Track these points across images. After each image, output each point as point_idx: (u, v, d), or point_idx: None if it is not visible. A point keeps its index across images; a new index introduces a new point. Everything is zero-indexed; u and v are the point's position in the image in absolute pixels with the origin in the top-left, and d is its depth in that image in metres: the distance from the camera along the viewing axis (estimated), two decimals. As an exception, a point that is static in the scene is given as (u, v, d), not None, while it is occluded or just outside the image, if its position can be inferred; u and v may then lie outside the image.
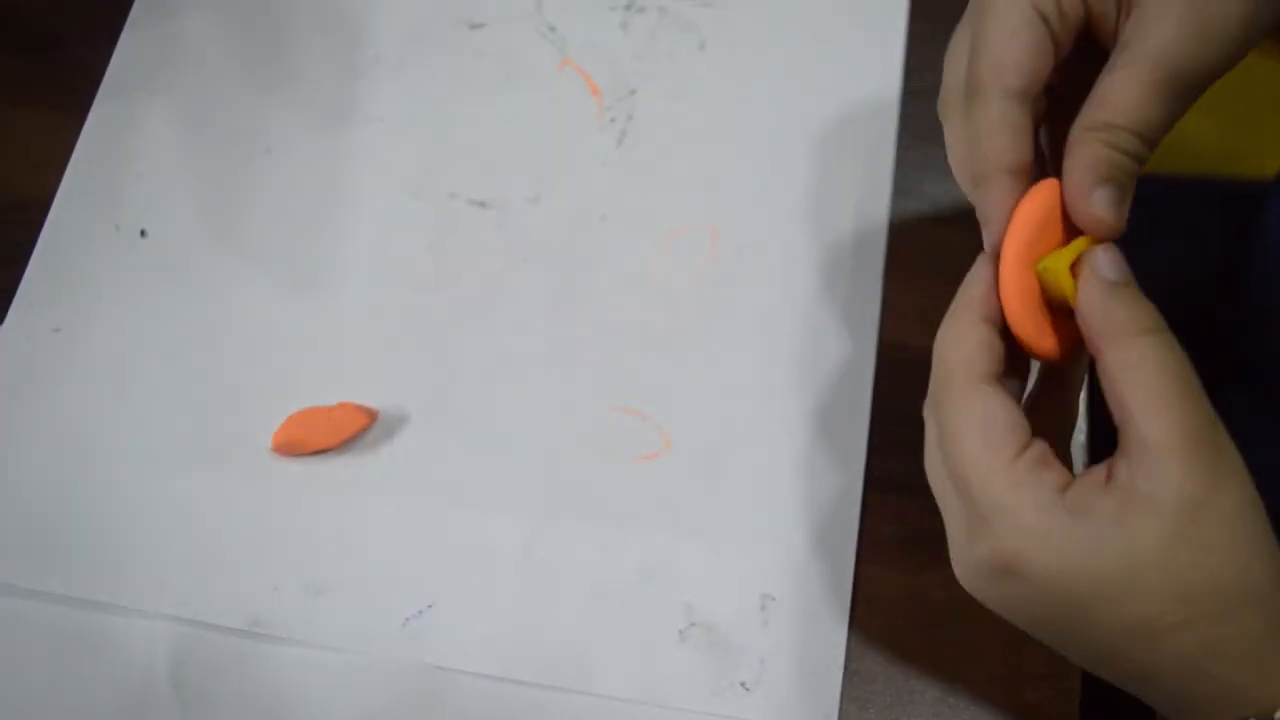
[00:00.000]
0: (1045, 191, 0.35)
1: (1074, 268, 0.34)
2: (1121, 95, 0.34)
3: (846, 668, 0.43)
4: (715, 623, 0.43)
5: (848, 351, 0.47)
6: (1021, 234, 0.35)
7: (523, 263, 0.48)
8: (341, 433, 0.44)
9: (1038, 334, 0.35)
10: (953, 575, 0.42)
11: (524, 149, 0.50)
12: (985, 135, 0.36)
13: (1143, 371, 0.32)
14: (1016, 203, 0.35)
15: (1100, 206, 0.34)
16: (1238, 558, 0.32)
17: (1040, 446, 0.34)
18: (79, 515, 0.44)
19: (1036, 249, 0.35)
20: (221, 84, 0.51)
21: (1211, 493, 0.31)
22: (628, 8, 0.52)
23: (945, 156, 0.51)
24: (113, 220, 0.48)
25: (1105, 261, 0.34)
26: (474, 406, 0.46)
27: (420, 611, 0.43)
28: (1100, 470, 0.33)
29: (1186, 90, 0.34)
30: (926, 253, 0.48)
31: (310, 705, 0.42)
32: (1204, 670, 0.32)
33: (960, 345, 0.35)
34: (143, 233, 0.48)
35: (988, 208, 0.36)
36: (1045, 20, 0.35)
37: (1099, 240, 0.35)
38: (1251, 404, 0.54)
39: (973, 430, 0.34)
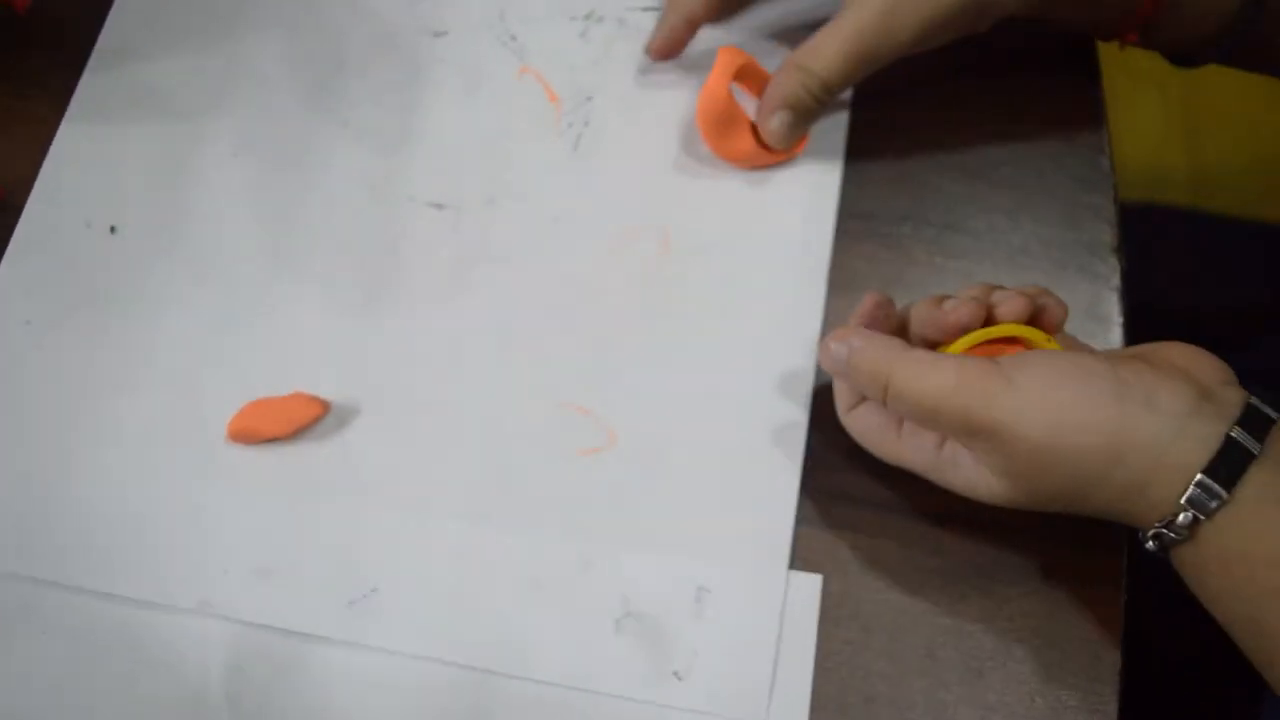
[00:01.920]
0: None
1: None
2: (823, 51, 0.47)
3: (884, 698, 0.44)
4: (650, 613, 0.44)
5: (790, 356, 0.48)
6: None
7: (477, 263, 0.50)
8: (293, 422, 0.46)
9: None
10: (991, 607, 0.44)
11: (482, 153, 0.52)
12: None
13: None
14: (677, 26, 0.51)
15: (775, 123, 0.48)
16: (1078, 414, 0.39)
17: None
18: (39, 500, 0.46)
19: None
20: (187, 84, 0.53)
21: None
22: (587, 18, 0.54)
23: (892, 173, 0.52)
24: (84, 217, 0.50)
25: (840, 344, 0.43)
26: (424, 401, 0.47)
27: (365, 595, 0.44)
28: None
29: (873, 61, 0.47)
30: (868, 269, 0.50)
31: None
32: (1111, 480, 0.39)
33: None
34: (112, 229, 0.50)
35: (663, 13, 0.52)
36: None
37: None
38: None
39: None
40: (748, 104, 0.51)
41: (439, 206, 0.50)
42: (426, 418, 0.47)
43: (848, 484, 0.46)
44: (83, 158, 0.51)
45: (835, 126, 0.52)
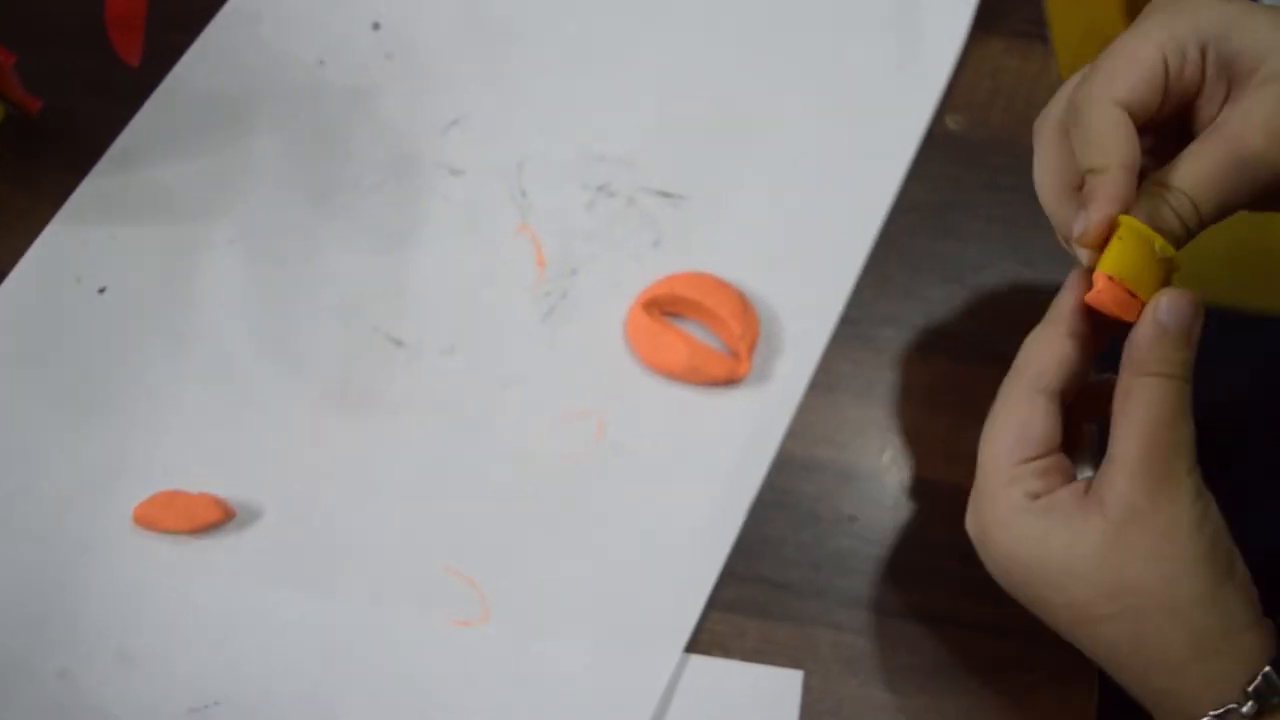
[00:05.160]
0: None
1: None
2: (1191, 166, 0.37)
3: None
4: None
5: (683, 585, 0.47)
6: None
7: (416, 408, 0.51)
8: (194, 521, 0.48)
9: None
10: (969, 704, 0.46)
11: (457, 300, 0.53)
12: (1100, 135, 0.37)
13: (1133, 402, 0.36)
14: (1128, 195, 0.37)
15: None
16: (1163, 567, 0.35)
17: (1055, 460, 0.39)
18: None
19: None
20: (192, 187, 0.55)
21: (1150, 506, 0.35)
22: (599, 189, 0.54)
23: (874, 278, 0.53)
24: (75, 274, 0.53)
25: (1165, 306, 0.37)
26: (320, 530, 0.49)
27: (207, 706, 0.46)
28: (1084, 482, 0.38)
29: (1254, 178, 0.37)
30: (852, 370, 0.49)
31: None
32: (1132, 664, 0.37)
33: (1042, 352, 0.40)
34: (101, 290, 0.53)
35: (1099, 193, 0.37)
36: (1166, 65, 0.38)
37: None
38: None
39: (1009, 427, 0.39)
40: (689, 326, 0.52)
41: (398, 343, 0.52)
42: (317, 546, 0.48)
43: (825, 583, 0.48)
44: (77, 238, 0.54)
45: (805, 361, 0.51)
